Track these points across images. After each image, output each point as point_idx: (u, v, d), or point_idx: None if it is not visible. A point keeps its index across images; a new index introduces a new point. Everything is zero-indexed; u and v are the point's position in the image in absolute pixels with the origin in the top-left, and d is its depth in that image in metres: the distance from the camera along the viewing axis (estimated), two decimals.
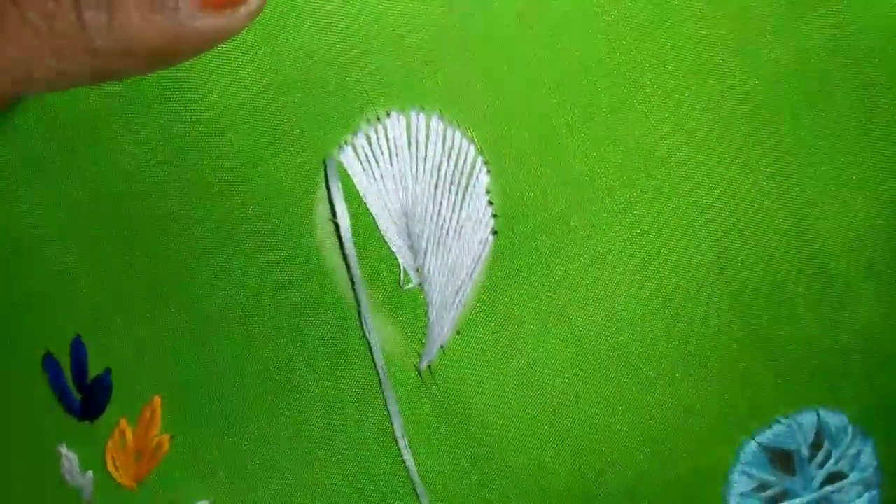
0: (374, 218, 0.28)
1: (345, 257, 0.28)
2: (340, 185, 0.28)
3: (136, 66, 0.20)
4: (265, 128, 0.28)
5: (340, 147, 0.27)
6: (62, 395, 0.31)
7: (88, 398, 0.31)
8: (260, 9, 0.20)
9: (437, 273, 0.28)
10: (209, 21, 0.19)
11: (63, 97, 0.29)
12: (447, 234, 0.28)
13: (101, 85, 0.29)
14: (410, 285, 0.29)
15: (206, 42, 0.20)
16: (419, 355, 0.29)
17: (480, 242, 0.28)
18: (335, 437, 0.30)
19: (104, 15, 0.19)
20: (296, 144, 0.28)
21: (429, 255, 0.28)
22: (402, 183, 0.28)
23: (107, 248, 0.30)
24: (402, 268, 0.29)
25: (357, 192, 0.28)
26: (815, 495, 0.29)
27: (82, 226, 0.30)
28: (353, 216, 0.28)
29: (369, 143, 0.27)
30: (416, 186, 0.28)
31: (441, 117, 0.27)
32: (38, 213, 0.29)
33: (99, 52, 0.19)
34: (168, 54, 0.20)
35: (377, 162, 0.27)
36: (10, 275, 0.30)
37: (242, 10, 0.19)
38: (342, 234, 0.28)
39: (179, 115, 0.28)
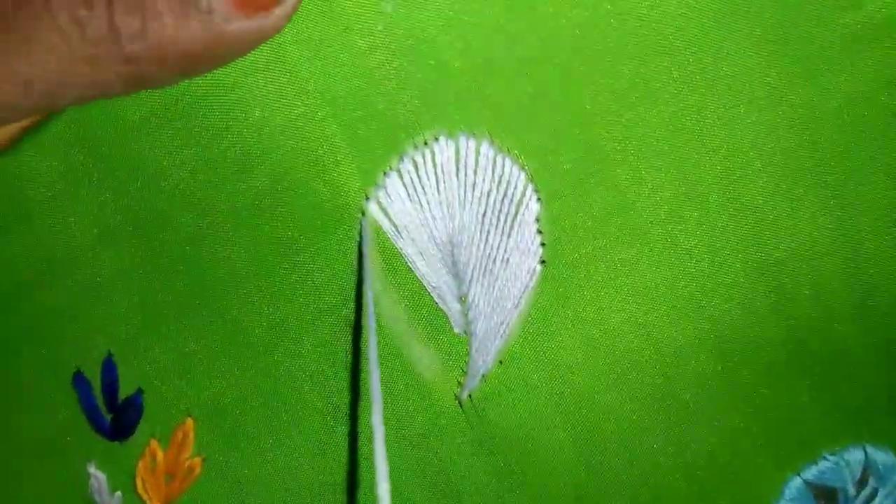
0: (416, 248, 0.27)
1: (386, 283, 0.28)
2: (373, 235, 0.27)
3: (171, 72, 0.19)
4: (308, 149, 0.27)
5: (386, 173, 0.27)
6: (92, 415, 0.31)
7: (119, 418, 0.31)
8: (295, 9, 0.19)
9: (482, 303, 0.28)
10: (243, 24, 0.19)
11: (101, 112, 0.28)
12: (494, 262, 0.27)
13: (140, 99, 0.28)
14: (458, 330, 0.28)
15: (241, 46, 0.19)
16: (460, 384, 0.29)
17: (528, 272, 0.27)
18: (373, 467, 0.30)
19: (137, 20, 0.18)
20: (339, 168, 0.27)
21: (474, 283, 0.28)
22: (448, 210, 0.27)
23: (142, 265, 0.29)
24: (450, 317, 0.28)
25: (398, 222, 0.27)
26: None
27: (117, 242, 0.29)
28: (396, 249, 0.28)
29: (416, 169, 0.27)
30: (464, 214, 0.27)
31: (491, 143, 0.26)
32: (72, 228, 0.29)
33: (132, 58, 0.19)
34: (203, 59, 0.19)
35: (423, 188, 0.27)
36: (44, 290, 0.29)
37: (277, 11, 0.19)
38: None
39: (221, 133, 0.27)
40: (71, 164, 0.28)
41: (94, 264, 0.29)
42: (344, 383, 0.29)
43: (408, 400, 0.29)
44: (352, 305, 0.28)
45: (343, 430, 0.30)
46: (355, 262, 0.28)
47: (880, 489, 0.29)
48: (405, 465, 0.29)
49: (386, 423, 0.29)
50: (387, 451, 0.29)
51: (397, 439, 0.29)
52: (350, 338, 0.29)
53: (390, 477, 0.29)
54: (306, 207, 0.28)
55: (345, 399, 0.30)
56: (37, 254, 0.29)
